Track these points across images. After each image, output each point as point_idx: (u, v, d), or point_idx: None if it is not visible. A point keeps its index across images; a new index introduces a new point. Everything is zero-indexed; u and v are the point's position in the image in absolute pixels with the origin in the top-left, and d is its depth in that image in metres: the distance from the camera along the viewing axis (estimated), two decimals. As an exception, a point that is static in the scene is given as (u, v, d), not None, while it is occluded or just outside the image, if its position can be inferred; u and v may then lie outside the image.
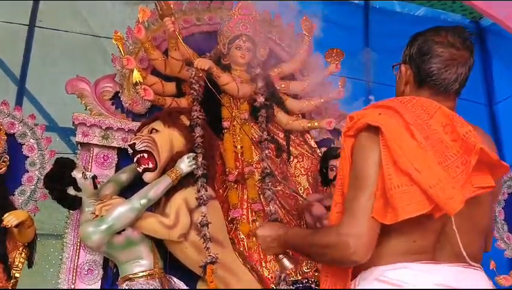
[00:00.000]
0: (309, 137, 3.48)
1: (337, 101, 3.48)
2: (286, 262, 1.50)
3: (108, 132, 3.01)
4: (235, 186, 3.07)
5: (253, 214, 3.04)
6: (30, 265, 2.79)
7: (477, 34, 5.62)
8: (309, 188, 3.32)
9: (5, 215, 2.53)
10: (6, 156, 2.84)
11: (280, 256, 1.51)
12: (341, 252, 1.21)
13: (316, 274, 2.98)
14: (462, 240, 1.22)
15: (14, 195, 2.86)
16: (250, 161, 3.11)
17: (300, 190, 3.29)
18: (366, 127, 1.26)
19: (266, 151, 3.09)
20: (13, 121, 2.96)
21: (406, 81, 1.39)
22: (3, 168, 2.82)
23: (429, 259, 1.22)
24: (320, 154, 3.37)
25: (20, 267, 2.72)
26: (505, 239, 3.74)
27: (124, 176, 2.91)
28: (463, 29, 1.37)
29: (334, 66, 3.38)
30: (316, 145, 3.47)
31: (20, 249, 2.74)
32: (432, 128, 1.23)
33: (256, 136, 3.19)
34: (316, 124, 3.35)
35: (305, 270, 3.01)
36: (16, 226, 2.54)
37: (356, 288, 1.27)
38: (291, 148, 3.35)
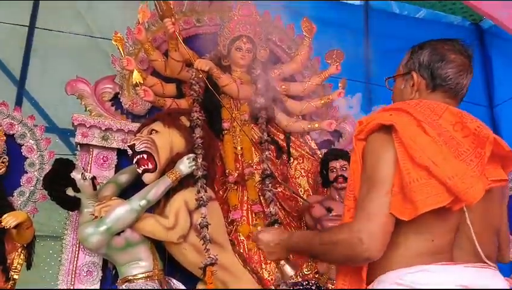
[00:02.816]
0: (309, 138, 3.47)
1: (338, 102, 3.48)
2: (288, 269, 1.49)
3: (108, 133, 3.01)
4: (235, 187, 3.06)
5: (254, 215, 3.03)
6: (29, 266, 2.77)
7: (478, 36, 5.63)
8: (309, 190, 3.31)
9: (3, 216, 2.52)
10: (6, 156, 2.84)
11: (282, 262, 1.49)
12: (353, 249, 1.19)
13: (317, 276, 2.97)
14: (477, 239, 1.23)
15: (13, 196, 2.86)
16: (250, 162, 3.11)
17: (301, 191, 3.28)
18: (377, 128, 1.28)
19: (266, 153, 3.08)
20: (13, 121, 2.96)
21: (417, 89, 1.42)
22: (3, 169, 2.81)
23: (447, 259, 1.22)
24: (320, 155, 3.36)
25: (19, 269, 2.70)
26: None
27: (124, 177, 2.90)
28: (462, 41, 1.45)
29: (334, 68, 3.38)
30: (316, 147, 3.47)
31: (19, 250, 2.73)
32: (443, 127, 1.26)
33: (257, 138, 3.19)
34: (317, 125, 3.34)
35: (306, 272, 3.00)
36: (15, 227, 2.53)
37: (374, 288, 1.26)
38: (291, 149, 3.34)
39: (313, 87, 3.47)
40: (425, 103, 1.33)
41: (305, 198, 3.17)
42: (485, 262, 1.25)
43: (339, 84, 3.40)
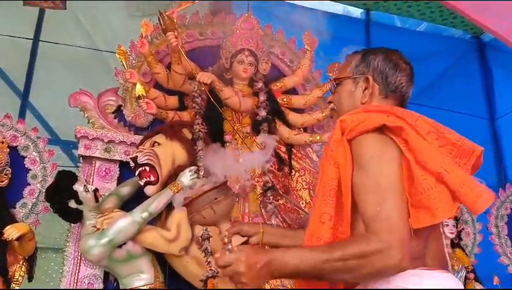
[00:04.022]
0: (311, 151, 3.48)
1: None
2: None
3: (110, 145, 3.02)
4: (237, 199, 3.05)
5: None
6: (30, 279, 2.77)
7: (479, 49, 5.66)
8: (311, 202, 3.31)
9: (6, 228, 2.53)
10: (9, 168, 2.85)
11: None
12: (389, 261, 1.09)
13: None
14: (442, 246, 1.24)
15: (15, 208, 2.86)
16: (251, 174, 3.11)
17: (302, 204, 3.27)
18: (372, 129, 1.22)
19: (268, 165, 3.08)
20: (16, 134, 2.98)
21: (371, 94, 1.40)
22: (5, 181, 2.82)
23: (422, 265, 1.20)
24: (322, 168, 3.36)
25: (20, 281, 2.70)
26: (509, 254, 3.72)
27: (126, 189, 2.91)
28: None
29: (335, 81, 3.40)
30: (317, 159, 3.47)
31: (21, 262, 2.73)
32: None
33: (258, 150, 3.19)
34: (318, 137, 3.36)
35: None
36: (17, 239, 2.54)
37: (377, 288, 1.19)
38: (293, 162, 3.35)
39: (314, 100, 3.48)
40: (400, 108, 1.32)
41: (307, 211, 3.17)
42: (448, 269, 1.25)
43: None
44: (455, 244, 3.61)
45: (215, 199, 1.39)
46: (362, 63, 1.42)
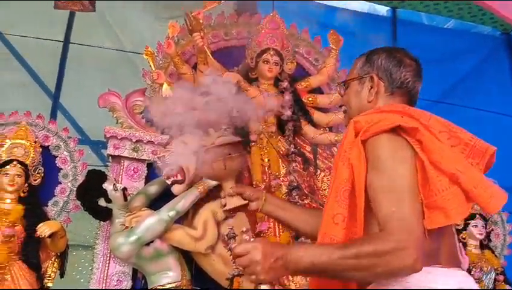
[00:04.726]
0: (336, 150, 3.47)
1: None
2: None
3: (138, 145, 3.06)
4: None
5: (280, 227, 3.03)
6: (62, 275, 2.85)
7: (508, 46, 5.53)
8: (336, 202, 3.29)
9: (38, 226, 2.61)
10: (41, 168, 2.94)
11: (263, 287, 1.24)
12: (402, 261, 1.08)
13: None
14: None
15: (47, 206, 2.95)
16: (277, 174, 3.12)
17: (328, 203, 3.26)
18: (387, 130, 1.22)
19: (293, 165, 3.09)
20: (48, 134, 3.06)
21: (377, 92, 1.40)
22: (38, 180, 2.91)
23: (437, 263, 1.20)
24: (347, 167, 3.34)
25: (53, 277, 2.79)
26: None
27: (153, 188, 2.95)
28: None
29: (361, 80, 3.38)
30: (343, 159, 3.45)
31: (53, 259, 2.82)
32: None
33: (283, 149, 3.20)
34: (344, 137, 3.34)
35: None
36: (49, 236, 2.61)
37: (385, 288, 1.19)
38: (318, 161, 3.34)
39: (340, 99, 3.46)
40: (412, 108, 1.32)
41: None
42: (461, 267, 1.25)
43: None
44: (484, 245, 3.54)
45: (229, 154, 1.37)
46: (367, 64, 1.44)
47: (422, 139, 1.19)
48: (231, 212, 1.55)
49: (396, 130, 1.22)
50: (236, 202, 1.42)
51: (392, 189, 1.15)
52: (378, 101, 1.40)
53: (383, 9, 5.46)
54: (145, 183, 3.04)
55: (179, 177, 2.77)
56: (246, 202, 1.50)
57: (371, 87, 1.41)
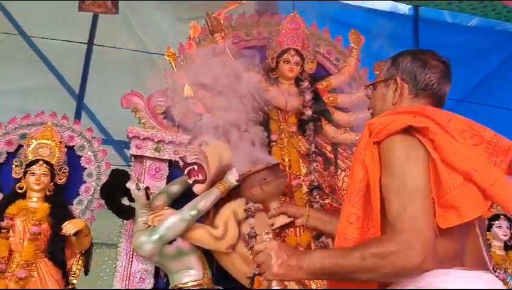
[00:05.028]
0: (357, 150, 3.45)
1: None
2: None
3: (160, 145, 3.10)
4: (283, 199, 3.07)
5: (301, 227, 3.03)
6: (86, 272, 2.91)
7: (535, 44, 5.41)
8: (357, 202, 3.28)
9: (64, 224, 2.67)
10: (66, 167, 3.00)
11: (274, 283, 1.23)
12: (409, 261, 1.10)
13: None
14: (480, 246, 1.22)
15: (72, 204, 3.01)
16: (297, 173, 3.12)
17: (349, 203, 3.25)
18: (399, 130, 1.23)
19: (314, 164, 3.09)
20: (73, 134, 3.12)
21: (400, 94, 1.41)
22: (63, 179, 2.98)
23: (460, 264, 1.19)
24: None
25: (77, 274, 2.85)
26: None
27: (175, 187, 2.98)
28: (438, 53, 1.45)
29: (382, 79, 3.36)
30: (364, 159, 3.43)
31: (77, 256, 2.88)
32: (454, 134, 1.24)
33: (304, 149, 3.20)
34: (365, 137, 3.32)
35: None
36: (74, 234, 2.67)
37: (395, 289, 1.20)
38: (339, 161, 3.33)
39: (360, 99, 3.45)
40: (432, 108, 1.32)
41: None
42: (488, 269, 1.23)
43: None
44: (509, 246, 3.48)
45: (264, 179, 1.44)
46: (392, 66, 1.45)
47: (434, 139, 1.20)
48: (278, 230, 1.63)
49: (410, 131, 1.23)
50: (282, 220, 1.50)
51: (403, 189, 1.17)
52: (402, 103, 1.40)
53: (404, 8, 5.41)
54: (167, 182, 3.07)
55: (200, 177, 2.79)
56: (292, 219, 1.58)
57: (395, 90, 1.42)
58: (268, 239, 1.28)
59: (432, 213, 1.15)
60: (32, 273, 2.66)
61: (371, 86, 1.52)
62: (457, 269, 1.18)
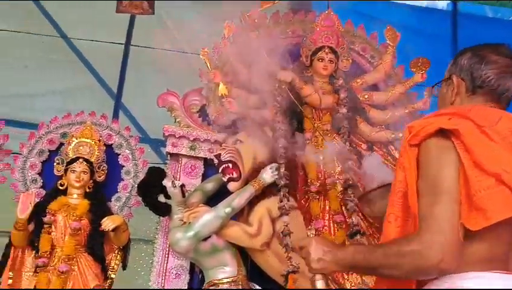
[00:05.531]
0: (393, 148, 3.40)
1: (423, 111, 3.38)
2: (319, 284, 1.32)
3: (195, 143, 3.14)
4: (317, 197, 3.06)
5: (335, 225, 3.01)
6: (124, 267, 2.98)
7: None
8: (393, 201, 3.23)
9: (103, 220, 2.74)
10: (105, 165, 3.08)
11: (317, 277, 1.33)
12: (426, 261, 1.12)
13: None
14: None
15: (111, 201, 3.09)
16: (332, 172, 3.10)
17: (384, 202, 3.20)
18: (434, 133, 1.23)
19: (349, 163, 3.06)
20: (111, 133, 3.20)
21: (457, 92, 1.39)
22: (102, 177, 3.06)
23: (502, 268, 1.17)
24: (404, 166, 3.27)
25: (116, 269, 2.92)
26: None
27: (210, 185, 3.02)
28: (508, 44, 1.39)
29: (419, 76, 3.30)
30: (400, 157, 3.38)
31: (116, 251, 2.95)
32: (501, 134, 1.21)
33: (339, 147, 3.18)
34: (401, 135, 3.27)
35: None
36: (113, 230, 2.74)
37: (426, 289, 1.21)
38: (374, 159, 3.29)
39: (396, 96, 3.40)
40: (479, 107, 1.29)
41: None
42: None
43: (424, 93, 3.30)
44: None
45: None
46: (453, 64, 1.42)
47: (464, 141, 1.19)
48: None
49: (445, 133, 1.22)
50: None
51: (431, 191, 1.18)
52: (460, 102, 1.38)
53: (442, 3, 5.28)
54: (202, 180, 3.11)
55: (235, 175, 2.82)
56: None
57: (452, 89, 1.40)
58: (311, 235, 1.42)
59: (458, 215, 1.15)
60: (72, 267, 2.75)
61: (438, 85, 1.50)
62: (494, 272, 1.15)
